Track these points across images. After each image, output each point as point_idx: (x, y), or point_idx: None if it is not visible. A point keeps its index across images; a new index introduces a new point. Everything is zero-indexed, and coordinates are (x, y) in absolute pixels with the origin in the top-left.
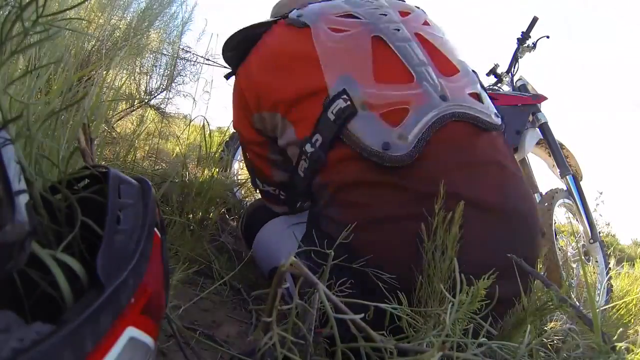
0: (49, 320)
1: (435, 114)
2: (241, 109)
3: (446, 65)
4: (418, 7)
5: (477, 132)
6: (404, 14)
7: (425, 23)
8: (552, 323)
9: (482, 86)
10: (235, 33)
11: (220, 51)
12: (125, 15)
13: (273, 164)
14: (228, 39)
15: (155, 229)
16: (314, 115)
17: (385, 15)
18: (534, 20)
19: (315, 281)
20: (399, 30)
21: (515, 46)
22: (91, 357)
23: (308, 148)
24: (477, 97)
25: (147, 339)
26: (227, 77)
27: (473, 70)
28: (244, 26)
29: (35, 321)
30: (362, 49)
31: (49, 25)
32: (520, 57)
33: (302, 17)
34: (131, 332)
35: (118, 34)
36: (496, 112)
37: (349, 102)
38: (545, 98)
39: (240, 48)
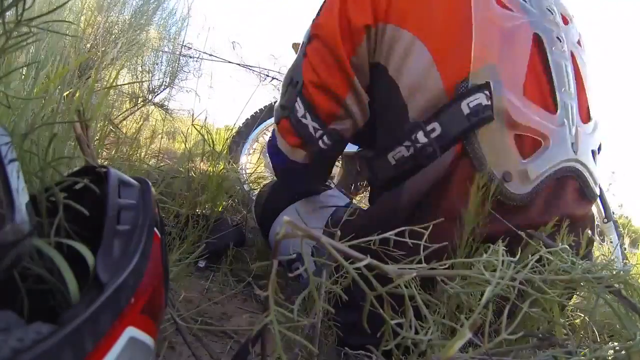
0: (49, 320)
1: (562, 162)
2: (356, 11)
3: (585, 109)
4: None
5: (581, 199)
6: (565, 19)
7: (579, 42)
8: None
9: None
10: None
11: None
12: (122, 10)
13: (352, 99)
14: None
15: (155, 229)
16: (438, 94)
17: (552, 13)
18: None
19: (318, 235)
20: (560, 40)
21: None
22: (91, 357)
23: (420, 137)
24: (594, 157)
25: (147, 338)
26: None
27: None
28: None
29: (35, 321)
30: (521, 45)
31: (34, 27)
32: None
33: None
34: (131, 332)
35: (116, 30)
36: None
37: (489, 102)
38: None
39: None
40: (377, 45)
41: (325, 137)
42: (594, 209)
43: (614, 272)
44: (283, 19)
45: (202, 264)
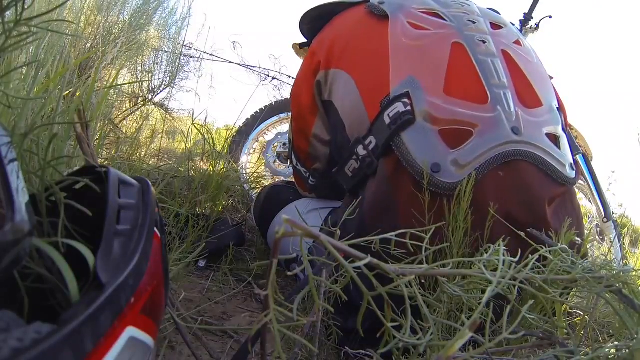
0: (49, 320)
1: (500, 146)
2: (307, 71)
3: (529, 95)
4: (513, 24)
5: (546, 182)
6: (495, 26)
7: (517, 42)
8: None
9: (564, 129)
10: (315, 7)
11: (298, 24)
12: (122, 10)
13: (315, 139)
14: (307, 12)
15: (155, 229)
16: (372, 115)
17: (474, 23)
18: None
19: (317, 234)
20: (484, 42)
21: (518, 28)
22: (91, 357)
23: (360, 150)
24: (555, 140)
25: (146, 338)
26: (301, 46)
27: (558, 108)
28: (325, 2)
29: (35, 321)
30: (439, 54)
31: (33, 27)
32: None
33: (383, 4)
34: (131, 331)
35: (116, 30)
36: (572, 163)
37: (408, 107)
38: (551, 77)
39: (317, 22)
40: (325, 86)
41: (310, 177)
42: (593, 208)
43: (614, 272)
44: (283, 19)
45: (202, 263)
